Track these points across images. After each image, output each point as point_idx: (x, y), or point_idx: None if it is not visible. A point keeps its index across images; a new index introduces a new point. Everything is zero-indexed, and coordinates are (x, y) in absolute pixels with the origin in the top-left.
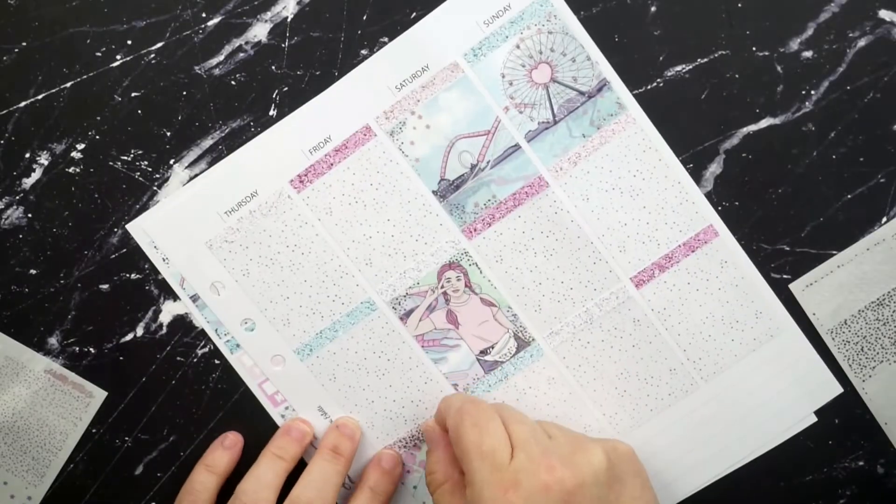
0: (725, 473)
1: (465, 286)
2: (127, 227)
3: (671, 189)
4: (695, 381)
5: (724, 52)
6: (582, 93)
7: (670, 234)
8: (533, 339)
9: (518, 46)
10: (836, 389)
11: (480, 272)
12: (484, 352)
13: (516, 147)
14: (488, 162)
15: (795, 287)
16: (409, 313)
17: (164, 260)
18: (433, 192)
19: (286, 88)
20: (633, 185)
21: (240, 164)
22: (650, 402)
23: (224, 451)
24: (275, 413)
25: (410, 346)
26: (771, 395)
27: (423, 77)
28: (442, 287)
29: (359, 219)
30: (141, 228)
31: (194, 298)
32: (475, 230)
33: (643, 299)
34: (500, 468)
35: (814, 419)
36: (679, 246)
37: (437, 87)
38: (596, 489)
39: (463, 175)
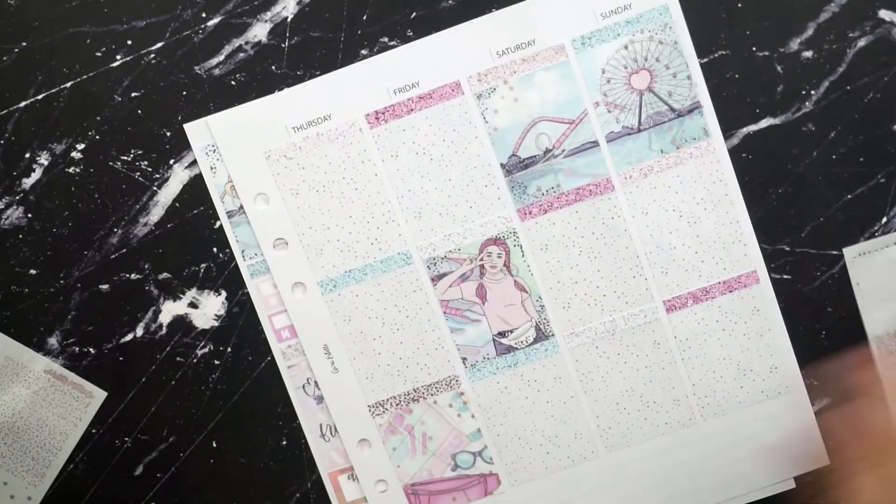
0: None
1: (504, 265)
2: (185, 126)
3: (728, 226)
4: (694, 417)
5: (724, 52)
6: (673, 109)
7: (714, 269)
8: (552, 335)
9: (626, 47)
10: (823, 461)
11: (523, 255)
12: (502, 334)
13: (594, 144)
14: (563, 150)
15: (849, 252)
16: (441, 276)
17: (211, 169)
18: (501, 164)
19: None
20: (693, 211)
21: (322, 86)
22: (645, 427)
23: None
24: (277, 349)
25: (433, 309)
26: (759, 451)
27: (527, 50)
28: (481, 260)
29: (421, 170)
30: (205, 127)
31: (230, 214)
32: (530, 213)
33: (670, 325)
34: None
35: (792, 485)
36: (719, 283)
37: (537, 64)
38: None
39: (535, 156)
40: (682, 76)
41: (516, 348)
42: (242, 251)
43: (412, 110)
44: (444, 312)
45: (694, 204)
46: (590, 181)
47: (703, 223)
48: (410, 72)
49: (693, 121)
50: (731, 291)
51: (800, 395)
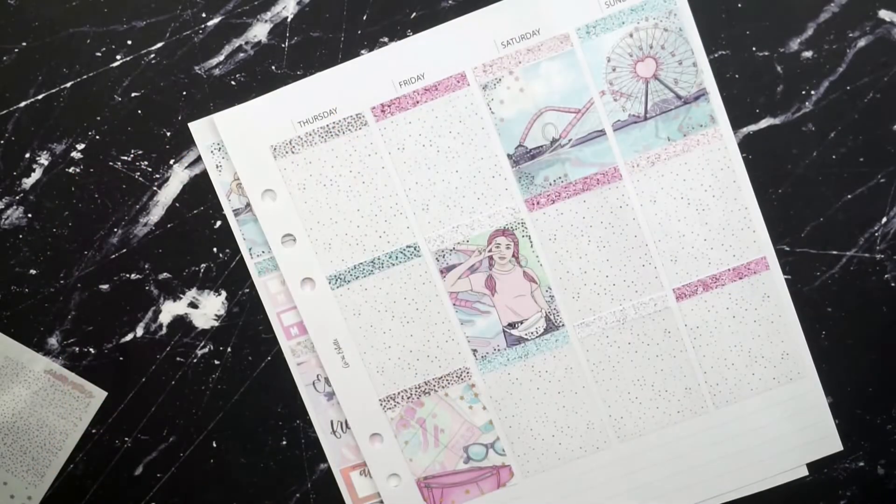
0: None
1: (513, 256)
2: (190, 125)
3: (737, 213)
4: (706, 406)
5: (724, 52)
6: (679, 96)
7: (723, 256)
8: (563, 325)
9: (631, 35)
10: (836, 447)
11: (531, 246)
12: (512, 325)
13: (601, 133)
14: (570, 140)
15: None
16: (450, 268)
17: (216, 167)
18: (508, 155)
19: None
20: (701, 199)
21: (327, 80)
22: (657, 416)
23: None
24: (286, 346)
25: (442, 301)
26: (772, 438)
27: (532, 40)
28: (490, 251)
29: (428, 163)
30: (209, 125)
31: (237, 212)
32: (538, 203)
33: (680, 313)
34: None
35: (805, 472)
36: (729, 270)
37: (542, 54)
38: None
39: (542, 146)
40: (687, 63)
41: (526, 339)
42: (249, 249)
43: (418, 102)
44: (454, 304)
45: (702, 191)
46: (597, 170)
47: (712, 210)
48: (415, 64)
49: (699, 108)
50: (740, 278)
51: (812, 381)
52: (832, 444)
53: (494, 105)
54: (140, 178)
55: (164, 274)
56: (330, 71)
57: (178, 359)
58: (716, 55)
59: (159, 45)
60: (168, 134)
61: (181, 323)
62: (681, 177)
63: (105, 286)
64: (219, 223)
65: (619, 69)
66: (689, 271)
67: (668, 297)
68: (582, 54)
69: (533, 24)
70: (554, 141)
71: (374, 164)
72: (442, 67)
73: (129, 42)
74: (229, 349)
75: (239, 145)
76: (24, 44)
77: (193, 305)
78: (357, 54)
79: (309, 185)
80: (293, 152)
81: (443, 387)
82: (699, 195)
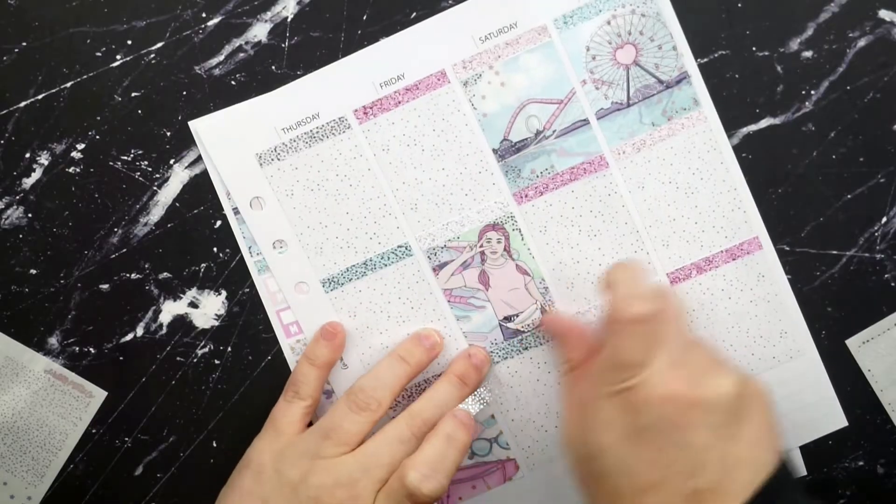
0: None
1: (504, 250)
2: (190, 123)
3: (726, 194)
4: None
5: (724, 52)
6: (661, 81)
7: (715, 238)
8: None
9: (609, 23)
10: (841, 422)
11: (522, 239)
12: (508, 318)
13: (585, 122)
14: (554, 131)
15: (852, 343)
16: (442, 265)
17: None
18: (493, 150)
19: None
20: (690, 182)
21: (308, 85)
22: None
23: (325, 343)
24: (286, 344)
25: (437, 299)
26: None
27: (510, 34)
28: (481, 246)
29: (414, 162)
30: (203, 127)
31: (236, 210)
32: (526, 196)
33: None
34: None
35: (804, 471)
36: (721, 251)
37: (520, 47)
38: (714, 416)
39: (526, 139)
40: (667, 47)
41: (523, 332)
42: (249, 247)
43: (400, 103)
44: (449, 301)
45: (690, 174)
46: (583, 160)
47: (701, 193)
48: (395, 64)
49: (682, 91)
50: (734, 259)
51: (812, 358)
52: (836, 420)
53: (476, 101)
54: (140, 178)
55: (164, 274)
56: (310, 76)
57: (178, 359)
58: (716, 55)
59: (159, 45)
60: (168, 134)
61: (181, 323)
62: (667, 161)
63: (105, 286)
64: (219, 223)
65: (598, 57)
66: (682, 255)
67: (662, 282)
68: (561, 45)
69: (510, 17)
70: (538, 133)
71: (360, 167)
72: (421, 66)
73: (129, 42)
74: (229, 349)
75: (223, 155)
76: (24, 44)
77: (193, 305)
78: None
79: (296, 191)
80: (279, 159)
81: None
82: (687, 178)
